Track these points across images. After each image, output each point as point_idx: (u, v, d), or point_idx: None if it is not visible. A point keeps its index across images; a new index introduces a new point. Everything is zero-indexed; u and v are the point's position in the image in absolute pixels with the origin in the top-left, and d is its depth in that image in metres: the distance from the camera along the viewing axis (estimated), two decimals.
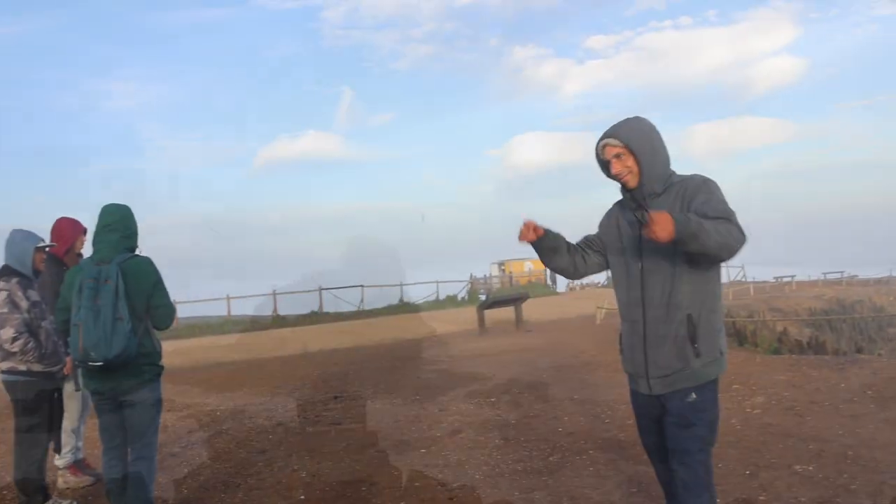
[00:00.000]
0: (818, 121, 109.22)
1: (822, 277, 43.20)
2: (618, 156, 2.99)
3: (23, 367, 4.63)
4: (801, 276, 40.85)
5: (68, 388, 5.02)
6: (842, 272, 43.72)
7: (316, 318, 28.87)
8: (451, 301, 36.08)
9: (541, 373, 9.80)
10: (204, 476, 5.70)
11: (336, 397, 8.98)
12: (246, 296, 31.60)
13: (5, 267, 4.73)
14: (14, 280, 4.64)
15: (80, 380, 4.09)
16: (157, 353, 4.12)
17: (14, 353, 4.57)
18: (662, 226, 2.60)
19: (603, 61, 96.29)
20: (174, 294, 4.21)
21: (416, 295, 36.24)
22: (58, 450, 5.29)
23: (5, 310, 4.55)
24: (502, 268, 47.30)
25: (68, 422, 5.27)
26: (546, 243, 3.17)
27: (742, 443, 5.40)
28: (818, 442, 5.23)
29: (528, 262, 46.66)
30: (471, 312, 20.39)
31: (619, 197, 3.17)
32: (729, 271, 45.80)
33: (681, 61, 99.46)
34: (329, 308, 31.25)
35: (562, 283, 44.22)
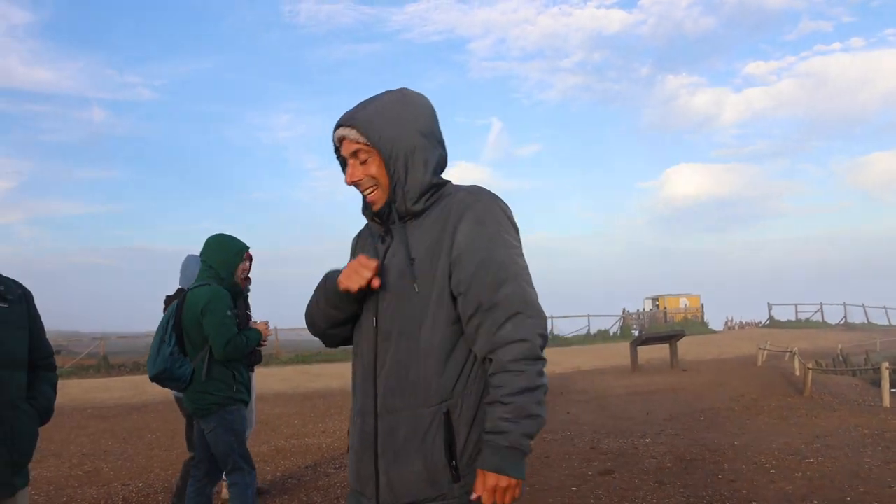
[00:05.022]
0: None
1: None
2: (355, 154, 1.95)
3: None
4: None
5: None
6: None
7: None
8: (603, 336, 35.43)
9: (698, 414, 9.37)
10: None
11: None
12: None
13: (179, 290, 5.02)
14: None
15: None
16: (226, 383, 4.09)
17: None
18: (497, 493, 1.78)
19: (762, 89, 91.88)
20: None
21: (567, 328, 35.86)
22: None
23: None
24: (656, 303, 45.95)
25: None
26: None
27: None
28: None
29: (684, 299, 45.13)
30: (623, 348, 19.90)
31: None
32: (888, 314, 41.80)
33: (852, 86, 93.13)
34: None
35: (719, 321, 42.51)
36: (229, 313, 4.06)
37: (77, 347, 27.75)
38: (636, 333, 31.39)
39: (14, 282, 2.72)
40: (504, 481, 1.76)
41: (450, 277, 1.87)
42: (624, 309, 41.34)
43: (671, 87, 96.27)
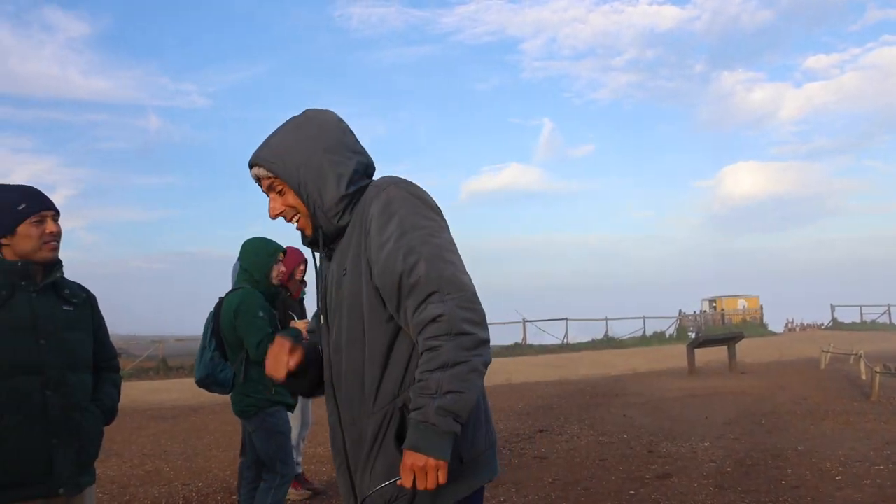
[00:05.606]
0: None
1: None
2: (271, 187, 1.98)
3: None
4: None
5: None
6: None
7: (519, 349, 29.01)
8: (659, 338, 34.97)
9: (758, 418, 9.16)
10: None
11: (541, 431, 8.89)
12: None
13: None
14: None
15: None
16: (265, 385, 4.08)
17: None
18: (416, 474, 1.70)
19: (823, 83, 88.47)
20: None
21: (622, 330, 35.47)
22: None
23: None
24: (713, 304, 45.14)
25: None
26: (312, 374, 2.07)
27: None
28: None
29: (742, 300, 44.24)
30: (679, 350, 19.59)
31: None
32: None
33: None
34: (533, 340, 31.34)
35: (779, 323, 41.55)
36: (261, 314, 4.09)
37: (136, 350, 28.39)
38: (693, 335, 30.91)
39: (79, 286, 2.79)
40: (420, 460, 1.68)
41: (371, 275, 1.87)
42: (680, 310, 40.72)
43: (727, 83, 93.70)
